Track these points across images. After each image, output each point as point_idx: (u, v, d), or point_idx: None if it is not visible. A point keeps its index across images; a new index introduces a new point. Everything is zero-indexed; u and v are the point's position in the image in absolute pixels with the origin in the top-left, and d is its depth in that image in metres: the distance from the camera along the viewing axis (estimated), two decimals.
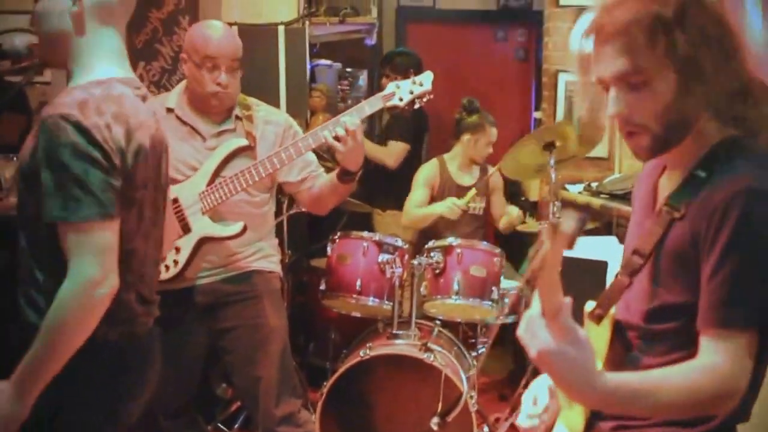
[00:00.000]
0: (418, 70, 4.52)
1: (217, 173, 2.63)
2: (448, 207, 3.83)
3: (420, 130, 4.62)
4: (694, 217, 1.30)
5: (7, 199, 3.62)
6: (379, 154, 4.45)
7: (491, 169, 4.18)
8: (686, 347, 1.30)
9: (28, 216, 1.69)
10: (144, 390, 1.85)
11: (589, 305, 1.49)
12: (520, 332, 1.23)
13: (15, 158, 3.66)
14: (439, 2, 6.31)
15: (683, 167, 1.38)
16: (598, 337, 1.45)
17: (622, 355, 1.43)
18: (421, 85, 2.58)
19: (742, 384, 1.25)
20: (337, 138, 2.47)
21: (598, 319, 1.47)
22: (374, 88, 5.46)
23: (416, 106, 2.60)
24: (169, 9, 4.57)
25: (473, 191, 3.87)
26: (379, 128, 5.02)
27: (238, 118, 2.70)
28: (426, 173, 4.11)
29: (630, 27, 1.28)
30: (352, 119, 2.47)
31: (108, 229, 1.63)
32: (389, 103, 2.56)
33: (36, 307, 1.69)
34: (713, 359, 1.25)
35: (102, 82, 1.71)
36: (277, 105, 4.00)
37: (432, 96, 2.59)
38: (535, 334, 1.20)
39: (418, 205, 4.01)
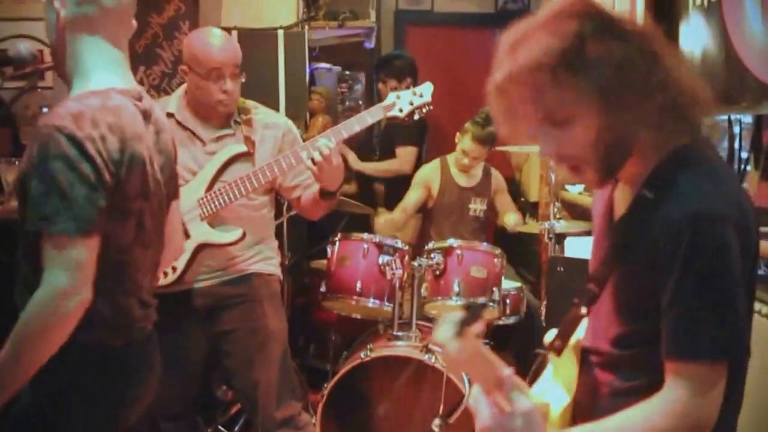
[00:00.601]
0: (414, 73, 4.57)
1: (216, 179, 2.64)
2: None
3: (422, 131, 4.65)
4: (647, 244, 1.26)
5: (8, 203, 3.63)
6: (392, 167, 4.49)
7: (494, 172, 4.19)
8: (655, 371, 1.26)
9: (21, 217, 1.69)
10: (144, 395, 1.86)
11: (550, 335, 1.49)
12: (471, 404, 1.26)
13: (17, 162, 3.68)
14: (438, 5, 6.32)
15: (633, 183, 1.35)
16: (567, 365, 1.44)
17: (592, 383, 1.41)
18: (421, 96, 2.61)
19: (706, 418, 1.22)
20: (313, 161, 2.48)
21: (557, 351, 1.45)
22: (373, 91, 5.47)
23: (416, 117, 2.63)
24: (169, 14, 4.59)
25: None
26: (377, 130, 5.03)
27: (236, 122, 2.71)
28: (424, 174, 4.12)
29: (531, 75, 1.23)
30: (329, 142, 2.47)
31: (84, 245, 1.59)
32: (389, 114, 2.59)
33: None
34: (675, 394, 1.22)
35: (99, 92, 1.70)
36: (276, 108, 4.02)
37: (432, 107, 2.62)
38: (477, 410, 1.23)
39: (407, 207, 4.04)
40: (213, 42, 2.61)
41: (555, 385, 1.45)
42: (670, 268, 1.22)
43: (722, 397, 1.22)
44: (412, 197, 4.07)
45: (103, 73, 1.74)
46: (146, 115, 1.80)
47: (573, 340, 1.46)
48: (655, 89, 1.24)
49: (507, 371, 1.20)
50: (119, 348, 1.76)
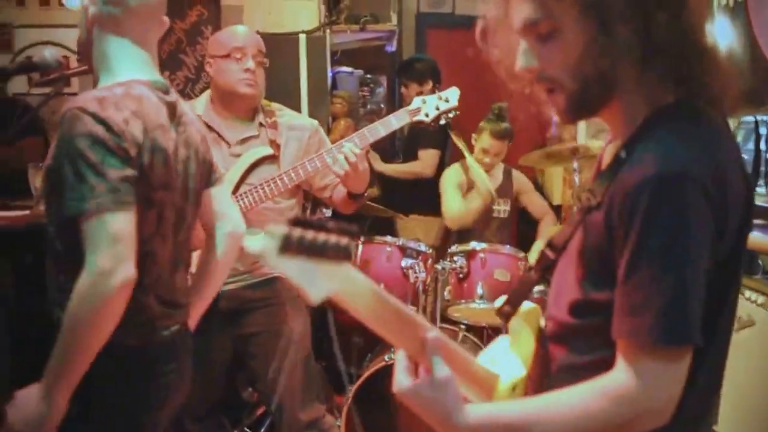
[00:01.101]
0: (435, 76, 4.57)
1: (241, 181, 2.65)
2: (483, 189, 3.77)
3: (445, 135, 4.64)
4: (608, 206, 1.12)
5: (37, 207, 3.68)
6: (413, 169, 4.47)
7: (515, 173, 4.16)
8: (610, 348, 1.13)
9: (52, 215, 1.69)
10: (170, 397, 1.82)
11: (499, 301, 1.38)
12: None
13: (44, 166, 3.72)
14: (459, 7, 6.32)
15: (618, 143, 1.21)
16: (527, 337, 1.34)
17: (544, 356, 1.29)
18: (447, 101, 2.60)
19: (661, 408, 1.08)
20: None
21: (506, 317, 1.35)
22: (394, 94, 5.48)
23: (442, 122, 2.63)
24: (192, 20, 4.63)
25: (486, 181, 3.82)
26: (400, 133, 5.04)
27: (261, 125, 2.72)
28: (453, 177, 4.09)
29: None
30: (354, 147, 2.49)
31: (123, 218, 1.58)
32: (415, 119, 2.59)
33: (64, 309, 1.68)
34: (617, 376, 1.09)
35: (123, 83, 1.71)
36: (298, 112, 4.04)
37: (458, 112, 2.62)
38: (395, 372, 1.16)
39: (456, 204, 3.97)
40: (235, 28, 2.71)
41: (512, 357, 1.33)
42: (626, 234, 1.08)
43: (679, 387, 1.08)
44: (455, 196, 3.97)
45: (127, 69, 1.76)
46: (171, 108, 1.81)
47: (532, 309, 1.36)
48: (667, 30, 1.11)
49: (431, 333, 1.12)
50: (137, 348, 1.73)
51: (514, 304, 1.35)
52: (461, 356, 1.20)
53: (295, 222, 0.93)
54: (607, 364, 1.12)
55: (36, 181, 3.79)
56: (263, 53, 2.67)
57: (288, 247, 0.91)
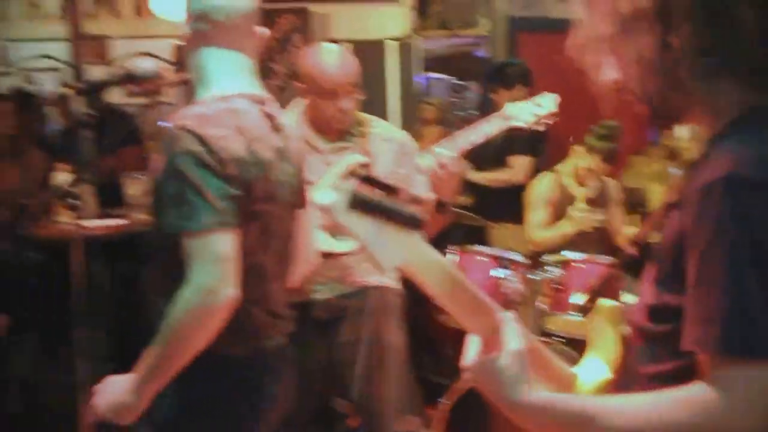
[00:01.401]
0: (526, 82, 4.46)
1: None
2: (580, 219, 3.68)
3: (539, 142, 4.53)
4: (683, 206, 1.07)
5: (131, 215, 3.77)
6: (504, 176, 4.39)
7: (610, 182, 4.02)
8: (687, 356, 1.05)
9: (157, 227, 1.72)
10: (273, 408, 1.84)
11: (577, 297, 1.33)
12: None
13: (140, 177, 3.81)
14: (553, 10, 6.17)
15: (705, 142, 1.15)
16: (609, 338, 1.28)
17: (628, 361, 1.23)
18: (543, 107, 2.54)
19: (734, 426, 0.98)
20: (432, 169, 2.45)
21: (583, 310, 1.31)
22: (486, 100, 5.40)
23: (539, 128, 2.55)
24: (281, 28, 4.67)
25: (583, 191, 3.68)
26: (491, 140, 4.94)
27: (354, 135, 2.70)
28: (543, 191, 3.96)
29: None
30: (448, 153, 2.43)
31: (226, 238, 1.61)
32: (510, 124, 2.53)
33: (157, 317, 1.70)
34: (698, 388, 1.00)
35: (223, 97, 1.73)
36: (384, 119, 4.01)
37: (557, 118, 2.54)
38: (465, 353, 1.12)
39: (542, 226, 3.87)
40: (328, 61, 2.60)
41: (593, 359, 1.28)
42: (696, 237, 1.02)
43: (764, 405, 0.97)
44: (541, 216, 3.90)
45: (225, 81, 1.76)
46: (272, 121, 1.81)
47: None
48: (748, 32, 1.05)
49: (506, 315, 1.09)
50: (241, 358, 1.75)
51: (592, 299, 1.30)
52: (538, 350, 1.16)
53: (365, 179, 0.89)
54: (691, 373, 1.04)
55: (131, 190, 3.88)
56: (355, 83, 2.63)
57: (358, 204, 0.88)
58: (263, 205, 1.73)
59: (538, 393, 1.08)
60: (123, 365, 1.71)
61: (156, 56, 6.01)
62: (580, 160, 3.84)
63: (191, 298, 1.58)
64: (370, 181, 0.90)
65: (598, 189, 3.97)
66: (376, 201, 0.89)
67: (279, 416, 1.88)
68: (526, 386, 1.07)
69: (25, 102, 4.72)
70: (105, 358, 2.46)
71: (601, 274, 3.21)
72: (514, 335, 1.08)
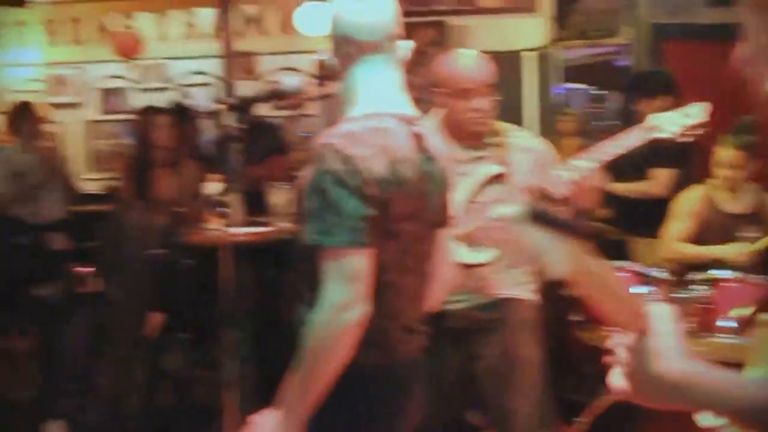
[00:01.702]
0: (670, 92, 4.29)
1: (471, 200, 2.64)
2: (735, 254, 3.46)
3: (683, 154, 4.34)
4: None
5: (275, 223, 3.92)
6: (643, 188, 4.24)
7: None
8: None
9: (302, 237, 1.76)
10: (402, 422, 1.84)
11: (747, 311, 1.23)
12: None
13: (284, 186, 3.96)
14: (701, 16, 5.90)
15: None
16: None
17: None
18: (690, 117, 2.44)
19: None
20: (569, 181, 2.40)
21: (738, 331, 1.20)
22: (627, 110, 5.24)
23: (685, 139, 2.45)
24: (419, 41, 4.73)
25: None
26: (632, 151, 4.78)
27: (491, 145, 2.69)
28: (688, 203, 3.79)
29: None
30: (587, 164, 2.38)
31: (360, 257, 1.65)
32: (654, 136, 2.44)
33: (297, 324, 1.75)
34: None
35: (372, 115, 1.76)
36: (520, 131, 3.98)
37: (705, 129, 2.44)
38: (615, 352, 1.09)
39: (681, 239, 3.71)
40: (461, 62, 2.63)
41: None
42: None
43: None
44: (682, 228, 3.74)
45: (373, 99, 1.80)
46: (419, 140, 1.82)
47: None
48: None
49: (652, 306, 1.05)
50: (374, 372, 1.77)
51: (754, 315, 1.23)
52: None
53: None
54: None
55: (275, 199, 4.04)
56: (490, 84, 2.63)
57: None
58: (402, 224, 1.75)
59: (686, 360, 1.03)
60: (264, 365, 1.78)
61: (300, 71, 6.26)
62: (719, 157, 3.64)
63: (324, 318, 1.63)
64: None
65: (752, 202, 3.75)
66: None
67: (412, 428, 1.89)
68: (675, 356, 1.02)
69: (182, 116, 5.00)
70: (248, 357, 2.57)
71: (757, 293, 3.03)
72: (662, 315, 1.05)
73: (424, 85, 4.49)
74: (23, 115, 4.93)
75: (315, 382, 1.64)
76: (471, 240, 2.64)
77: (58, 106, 7.22)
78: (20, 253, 4.59)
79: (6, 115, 5.11)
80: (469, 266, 2.62)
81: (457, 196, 2.62)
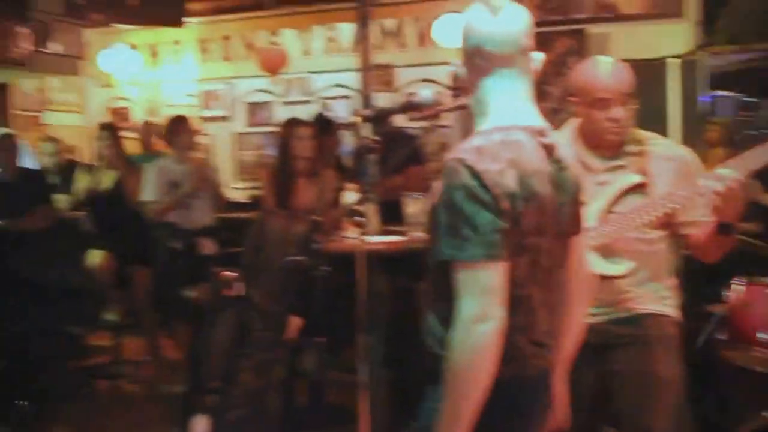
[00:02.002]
0: None
1: (607, 209, 2.58)
2: None
3: None
4: None
5: (409, 233, 3.98)
6: None
7: None
8: None
9: (431, 251, 1.79)
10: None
11: None
12: None
13: (419, 197, 4.02)
14: None
15: None
16: None
17: None
18: None
19: None
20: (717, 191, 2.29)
21: None
22: None
23: None
24: (557, 51, 4.67)
25: None
26: None
27: (630, 153, 2.63)
28: None
29: None
30: (732, 173, 2.26)
31: (493, 270, 1.66)
32: None
33: (435, 336, 1.79)
34: None
35: (502, 128, 1.76)
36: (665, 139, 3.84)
37: None
38: None
39: None
40: (598, 70, 2.57)
41: None
42: None
43: None
44: None
45: (503, 112, 1.80)
46: (549, 151, 1.82)
47: None
48: None
49: None
50: (505, 383, 1.75)
51: None
52: None
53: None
54: None
55: (410, 209, 4.11)
56: (629, 93, 2.56)
57: None
58: (533, 238, 1.75)
59: None
60: (396, 370, 1.82)
61: (437, 83, 6.31)
62: None
63: (461, 333, 1.64)
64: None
65: None
66: None
67: None
68: None
69: (323, 127, 5.17)
70: (381, 362, 2.63)
71: None
72: None
73: (562, 95, 4.45)
74: (178, 128, 5.24)
75: (457, 398, 1.66)
76: (608, 251, 2.58)
77: (209, 119, 7.65)
78: (174, 256, 4.90)
79: (162, 127, 5.47)
80: (606, 278, 2.57)
81: (595, 206, 2.58)
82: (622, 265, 2.55)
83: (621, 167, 2.61)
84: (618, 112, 2.52)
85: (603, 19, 5.35)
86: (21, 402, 4.35)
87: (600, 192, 2.59)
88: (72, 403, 4.70)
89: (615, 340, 2.62)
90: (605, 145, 2.62)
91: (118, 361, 5.34)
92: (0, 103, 6.89)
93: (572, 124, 2.74)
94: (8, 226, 4.85)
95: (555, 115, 4.53)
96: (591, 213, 2.57)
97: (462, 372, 1.65)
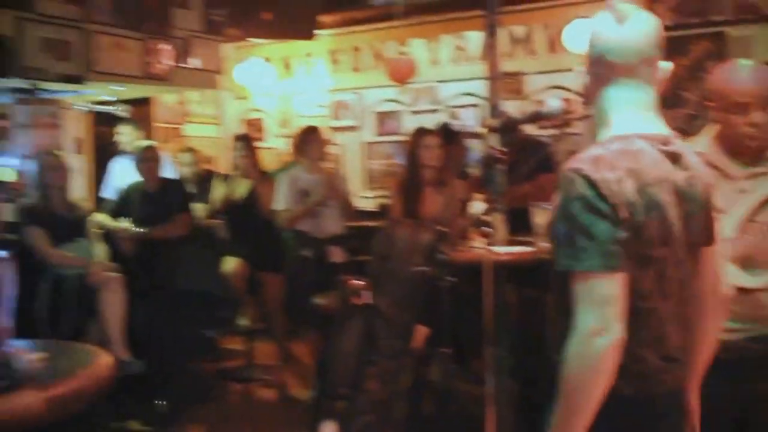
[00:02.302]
0: None
1: (748, 219, 2.46)
2: None
3: None
4: None
5: (537, 243, 3.92)
6: None
7: None
8: None
9: (553, 261, 1.77)
10: None
11: None
12: None
13: (548, 207, 3.96)
14: None
15: None
16: None
17: None
18: None
19: None
20: None
21: None
22: None
23: None
24: (695, 55, 4.49)
25: None
26: None
27: None
28: None
29: None
30: None
31: (611, 281, 1.62)
32: None
33: (556, 346, 1.75)
34: None
35: (622, 137, 1.73)
36: None
37: None
38: None
39: None
40: (737, 73, 2.46)
41: None
42: None
43: None
44: None
45: (624, 121, 1.76)
46: (674, 160, 1.76)
47: None
48: None
49: None
50: (629, 400, 1.72)
51: None
52: None
53: None
54: None
55: (538, 219, 4.05)
56: None
57: None
58: (658, 249, 1.70)
59: None
60: (524, 382, 1.81)
61: (567, 89, 6.20)
62: None
63: (577, 345, 1.61)
64: None
65: None
66: None
67: None
68: None
69: (450, 136, 5.19)
70: (509, 374, 2.61)
71: None
72: None
73: (700, 101, 4.26)
74: (309, 138, 5.40)
75: (575, 412, 1.64)
76: (749, 262, 2.46)
77: (339, 129, 7.83)
78: (304, 264, 5.04)
79: (294, 138, 5.64)
80: (745, 291, 2.44)
81: (735, 215, 2.47)
82: (763, 277, 2.42)
83: (762, 174, 2.50)
84: (758, 116, 2.41)
85: (744, 21, 5.10)
86: (159, 402, 4.59)
87: (740, 200, 2.49)
88: (206, 404, 4.91)
89: (755, 359, 2.49)
90: (745, 152, 2.50)
91: (250, 365, 5.52)
92: (144, 116, 7.30)
93: (710, 131, 2.63)
94: (150, 233, 5.12)
95: (692, 122, 4.35)
96: (730, 222, 2.46)
97: (576, 385, 1.62)
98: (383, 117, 7.87)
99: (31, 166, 4.85)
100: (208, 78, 6.73)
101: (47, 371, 1.58)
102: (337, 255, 5.08)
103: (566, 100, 6.87)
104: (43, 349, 1.68)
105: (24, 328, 1.66)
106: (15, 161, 5.30)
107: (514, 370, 3.15)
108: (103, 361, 1.74)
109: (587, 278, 1.63)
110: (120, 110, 6.91)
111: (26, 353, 1.60)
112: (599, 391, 1.62)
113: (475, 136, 5.67)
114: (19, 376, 1.53)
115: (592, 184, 1.65)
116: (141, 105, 7.29)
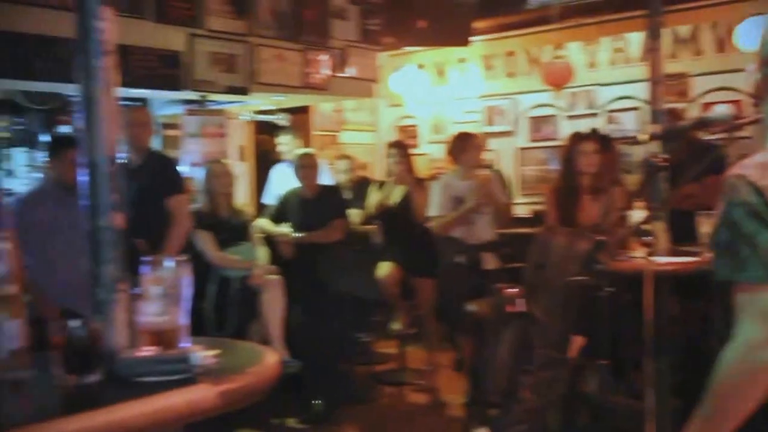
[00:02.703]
0: None
1: None
2: None
3: None
4: None
5: (702, 254, 3.72)
6: None
7: None
8: None
9: (714, 271, 1.70)
10: None
11: None
12: None
13: (712, 215, 3.75)
14: None
15: None
16: None
17: None
18: None
19: None
20: None
21: None
22: None
23: None
24: None
25: None
26: None
27: None
28: None
29: None
30: None
31: None
32: None
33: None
34: None
35: None
36: None
37: None
38: None
39: None
40: None
41: None
42: None
43: None
44: None
45: None
46: None
47: None
48: None
49: None
50: None
51: None
52: None
53: None
54: None
55: (704, 228, 3.84)
56: None
57: None
58: None
59: None
60: (686, 399, 1.73)
61: (736, 90, 5.85)
62: None
63: (736, 356, 1.55)
64: None
65: None
66: None
67: None
68: None
69: (605, 142, 5.03)
70: (670, 390, 2.50)
71: None
72: None
73: None
74: (464, 145, 5.39)
75: (724, 420, 1.57)
76: None
77: (493, 134, 7.79)
78: (458, 270, 5.04)
79: (448, 144, 5.66)
80: None
81: None
82: None
83: None
84: None
85: None
86: (315, 401, 4.74)
87: None
88: (359, 406, 5.02)
89: None
90: None
91: (402, 368, 5.60)
92: (302, 125, 7.58)
93: None
94: (308, 238, 5.30)
95: None
96: None
97: (731, 393, 1.55)
98: (537, 122, 7.76)
99: (200, 173, 5.15)
100: (364, 86, 6.89)
101: (220, 367, 1.68)
102: (490, 262, 5.05)
103: (736, 102, 6.52)
104: (214, 346, 1.79)
105: (193, 327, 1.78)
106: (185, 168, 5.63)
107: (676, 385, 3.02)
108: (270, 360, 1.83)
109: (750, 289, 1.56)
110: (280, 119, 7.21)
111: (201, 350, 1.72)
112: (753, 404, 1.54)
113: (635, 142, 5.47)
114: (196, 370, 1.64)
115: (757, 190, 1.57)
116: (300, 114, 7.57)
